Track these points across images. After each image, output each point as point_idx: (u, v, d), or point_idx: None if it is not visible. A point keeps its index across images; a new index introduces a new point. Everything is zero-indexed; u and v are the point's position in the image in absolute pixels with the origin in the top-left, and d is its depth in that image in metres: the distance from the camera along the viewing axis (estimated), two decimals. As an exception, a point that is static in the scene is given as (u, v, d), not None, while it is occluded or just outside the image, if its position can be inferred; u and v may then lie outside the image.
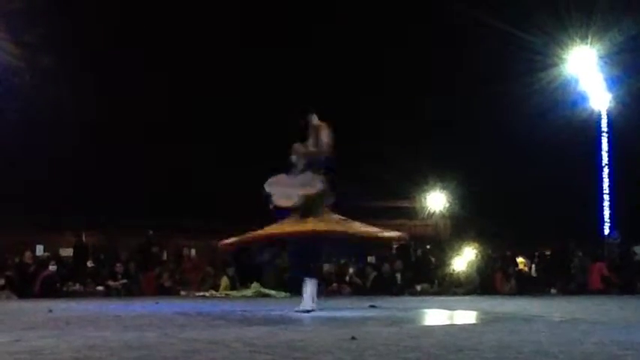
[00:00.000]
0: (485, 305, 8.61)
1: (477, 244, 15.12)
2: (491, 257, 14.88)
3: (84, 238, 14.34)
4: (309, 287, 6.45)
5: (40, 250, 13.69)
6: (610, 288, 13.39)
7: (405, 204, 22.21)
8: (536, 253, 15.80)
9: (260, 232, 6.67)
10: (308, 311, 6.25)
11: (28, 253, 12.68)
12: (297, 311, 6.32)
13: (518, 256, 15.25)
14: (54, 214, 16.41)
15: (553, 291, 13.80)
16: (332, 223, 6.55)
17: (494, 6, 16.32)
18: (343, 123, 7.34)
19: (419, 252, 15.45)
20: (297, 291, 6.64)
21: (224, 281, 13.22)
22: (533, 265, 15.64)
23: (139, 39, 18.18)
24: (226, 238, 7.06)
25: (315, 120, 6.77)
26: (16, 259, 12.84)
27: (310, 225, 6.33)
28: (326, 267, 13.27)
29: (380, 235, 6.89)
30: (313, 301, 6.45)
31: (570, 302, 9.59)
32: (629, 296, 12.09)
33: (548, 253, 15.73)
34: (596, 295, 12.37)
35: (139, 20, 18.29)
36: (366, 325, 5.04)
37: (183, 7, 19.14)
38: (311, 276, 6.55)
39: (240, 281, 13.26)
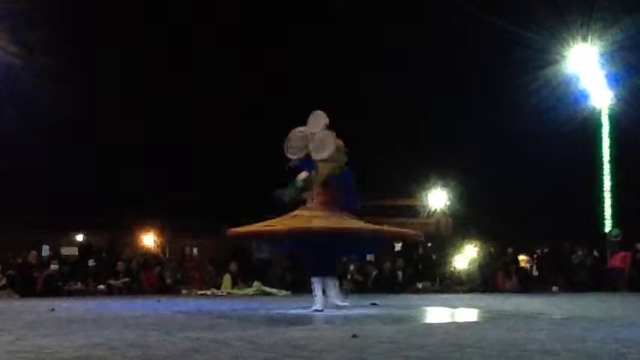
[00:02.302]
0: (487, 303, 8.61)
1: (478, 242, 15.09)
2: (493, 255, 14.85)
3: (86, 238, 14.34)
4: (332, 285, 6.63)
5: (45, 250, 13.62)
6: (625, 271, 13.53)
7: (407, 202, 22.16)
8: (538, 251, 15.75)
9: (274, 226, 6.57)
10: (341, 307, 6.49)
11: (33, 253, 12.64)
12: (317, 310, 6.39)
13: (519, 254, 15.21)
14: (56, 213, 16.40)
15: (555, 288, 13.78)
16: (343, 221, 6.58)
17: (494, 4, 16.29)
18: (344, 123, 7.35)
19: (420, 250, 15.42)
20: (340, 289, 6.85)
21: (226, 279, 13.21)
22: (535, 263, 15.59)
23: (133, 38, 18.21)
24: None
25: None
26: (19, 259, 12.82)
27: (323, 222, 6.34)
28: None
29: (400, 231, 7.14)
30: (338, 297, 6.64)
31: (572, 300, 9.59)
32: (632, 294, 12.08)
33: (549, 250, 15.68)
34: (597, 293, 12.37)
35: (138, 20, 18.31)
36: (367, 324, 5.04)
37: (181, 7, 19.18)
38: (332, 274, 6.64)
39: (242, 279, 13.25)
